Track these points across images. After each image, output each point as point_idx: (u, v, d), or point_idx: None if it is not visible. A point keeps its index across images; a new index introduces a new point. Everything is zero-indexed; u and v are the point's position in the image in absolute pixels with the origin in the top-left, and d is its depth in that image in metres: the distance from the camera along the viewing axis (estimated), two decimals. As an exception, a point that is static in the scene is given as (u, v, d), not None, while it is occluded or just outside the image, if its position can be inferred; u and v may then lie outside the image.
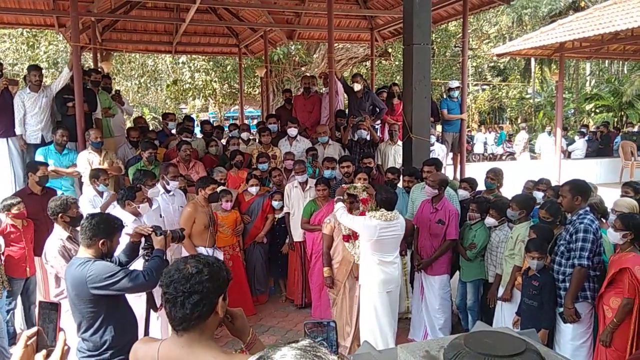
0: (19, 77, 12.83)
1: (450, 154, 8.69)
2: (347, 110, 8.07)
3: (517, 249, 4.27)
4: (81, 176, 6.05)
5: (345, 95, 8.26)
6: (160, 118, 12.47)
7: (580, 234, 3.68)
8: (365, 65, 16.95)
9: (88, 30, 9.90)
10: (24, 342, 1.38)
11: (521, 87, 26.74)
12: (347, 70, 15.80)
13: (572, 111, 22.97)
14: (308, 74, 10.33)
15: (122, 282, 2.69)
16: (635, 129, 16.94)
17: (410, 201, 5.46)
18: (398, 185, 5.82)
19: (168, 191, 5.29)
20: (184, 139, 6.82)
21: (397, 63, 18.07)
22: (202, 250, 4.99)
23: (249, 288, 5.91)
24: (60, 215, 3.78)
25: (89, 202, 5.10)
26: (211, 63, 17.71)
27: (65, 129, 6.14)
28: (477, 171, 7.75)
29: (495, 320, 4.48)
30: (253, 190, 5.94)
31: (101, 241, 2.79)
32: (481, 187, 5.63)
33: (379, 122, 8.06)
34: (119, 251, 3.12)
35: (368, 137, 7.18)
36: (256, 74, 15.10)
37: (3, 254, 4.64)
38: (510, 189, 5.68)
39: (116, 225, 2.92)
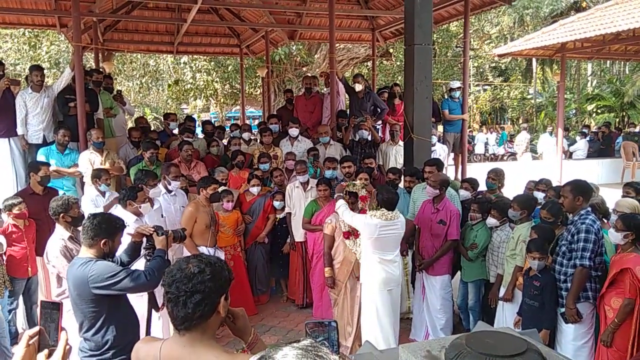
0: (20, 77, 12.84)
1: (452, 155, 8.68)
2: (348, 111, 8.07)
3: (518, 249, 4.27)
4: (83, 176, 6.06)
5: (347, 96, 8.26)
6: (162, 118, 12.48)
7: (582, 234, 3.68)
8: (367, 66, 16.95)
9: (90, 30, 9.92)
10: (25, 341, 1.38)
11: (522, 88, 26.70)
12: (348, 71, 15.79)
13: (574, 111, 22.93)
14: (309, 74, 10.32)
15: (124, 282, 2.69)
16: (637, 129, 16.89)
17: (411, 201, 5.46)
18: (399, 185, 5.82)
19: (169, 191, 5.30)
20: (185, 139, 6.83)
21: (398, 63, 18.06)
22: (203, 250, 4.99)
23: (250, 288, 5.91)
24: (61, 215, 3.79)
25: (92, 201, 5.11)
26: (212, 63, 17.71)
27: (67, 129, 6.15)
28: (478, 171, 7.74)
29: (496, 320, 4.48)
30: (254, 190, 5.95)
31: (103, 241, 2.79)
32: (482, 187, 5.62)
33: (380, 122, 8.06)
34: (120, 251, 3.12)
35: (369, 138, 7.18)
36: (257, 74, 15.09)
37: (5, 253, 4.65)
38: (511, 189, 5.68)
39: (118, 225, 2.92)
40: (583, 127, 17.13)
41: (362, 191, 4.65)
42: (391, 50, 15.85)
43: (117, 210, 4.12)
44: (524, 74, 26.97)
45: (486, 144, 19.96)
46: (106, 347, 2.76)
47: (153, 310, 3.17)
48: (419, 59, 5.95)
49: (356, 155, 6.94)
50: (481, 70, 26.77)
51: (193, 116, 9.71)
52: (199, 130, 10.82)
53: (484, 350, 1.57)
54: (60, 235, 3.71)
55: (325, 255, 4.79)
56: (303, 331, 1.66)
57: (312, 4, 9.90)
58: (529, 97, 26.64)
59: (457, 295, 5.18)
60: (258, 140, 7.70)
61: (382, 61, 16.84)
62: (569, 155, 13.95)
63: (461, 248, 4.89)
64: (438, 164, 5.48)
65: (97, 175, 5.21)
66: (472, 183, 5.56)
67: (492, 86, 26.80)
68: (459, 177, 8.17)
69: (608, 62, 23.13)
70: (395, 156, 7.21)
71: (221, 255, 5.25)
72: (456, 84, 8.39)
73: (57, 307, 1.47)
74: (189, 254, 2.69)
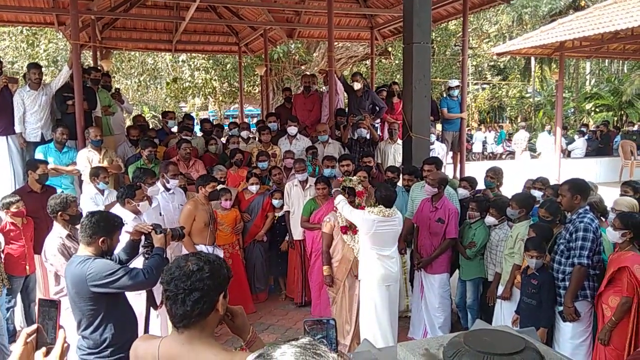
0: (18, 75, 12.82)
1: (450, 153, 8.69)
2: (347, 109, 8.06)
3: (516, 247, 4.28)
4: (81, 174, 6.05)
5: (345, 94, 8.26)
6: (160, 116, 12.44)
7: (580, 232, 3.69)
8: (365, 64, 16.93)
9: (88, 28, 9.90)
10: (23, 339, 1.38)
11: (521, 86, 26.72)
12: (347, 69, 15.78)
13: (572, 110, 22.97)
14: (308, 73, 10.32)
15: (122, 280, 2.69)
16: (635, 128, 16.96)
17: (410, 200, 5.46)
18: (398, 184, 5.83)
19: (168, 189, 5.30)
20: (183, 137, 6.82)
21: (397, 62, 18.04)
22: (202, 248, 4.98)
23: (249, 286, 5.91)
24: (59, 213, 3.79)
25: (91, 199, 5.11)
26: (211, 61, 17.67)
27: (65, 127, 6.14)
28: (476, 170, 7.76)
29: (494, 318, 4.49)
30: (253, 188, 5.95)
31: (101, 239, 2.79)
32: (481, 186, 5.63)
33: (378, 120, 8.05)
34: (119, 249, 3.12)
35: (368, 136, 7.18)
36: (256, 73, 15.07)
37: (3, 251, 4.64)
38: (510, 188, 5.69)
39: (116, 223, 2.92)
40: (581, 125, 17.18)
41: (358, 186, 4.66)
42: (390, 49, 15.82)
43: (116, 209, 4.11)
44: (523, 72, 27.00)
45: (485, 142, 19.97)
46: (104, 345, 2.76)
47: (151, 308, 3.16)
48: (417, 57, 5.95)
49: (355, 153, 6.94)
50: (480, 69, 26.76)
51: (191, 114, 9.72)
52: (197, 128, 10.82)
53: (482, 349, 1.57)
54: (58, 233, 3.71)
55: (323, 254, 4.79)
56: (301, 329, 1.66)
57: (310, 2, 9.89)
58: (527, 95, 26.66)
59: (455, 294, 5.19)
60: (257, 139, 7.70)
61: (380, 60, 16.82)
62: (567, 153, 13.98)
63: (459, 246, 4.89)
64: (437, 163, 5.48)
65: (96, 173, 5.21)
66: (471, 182, 5.57)
67: (491, 85, 26.81)
68: (458, 175, 8.18)
69: (606, 61, 23.18)
70: (393, 155, 7.21)
71: (220, 253, 5.24)
72: (455, 82, 8.38)
73: (55, 305, 1.47)
74: (187, 252, 2.68)
